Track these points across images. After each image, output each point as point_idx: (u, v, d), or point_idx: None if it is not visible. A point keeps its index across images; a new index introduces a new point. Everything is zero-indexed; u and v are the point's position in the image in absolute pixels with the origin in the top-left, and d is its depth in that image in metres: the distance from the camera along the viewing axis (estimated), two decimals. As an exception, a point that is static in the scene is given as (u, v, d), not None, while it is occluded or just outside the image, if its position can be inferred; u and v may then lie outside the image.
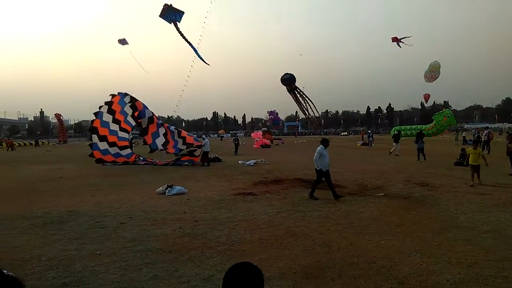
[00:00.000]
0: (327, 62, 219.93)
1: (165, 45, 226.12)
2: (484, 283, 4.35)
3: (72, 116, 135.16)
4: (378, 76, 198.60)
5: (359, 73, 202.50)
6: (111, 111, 20.80)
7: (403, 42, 39.61)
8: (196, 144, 21.21)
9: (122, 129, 21.05)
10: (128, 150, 21.75)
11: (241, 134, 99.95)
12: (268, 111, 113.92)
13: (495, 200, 9.09)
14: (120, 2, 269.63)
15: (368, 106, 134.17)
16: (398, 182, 12.31)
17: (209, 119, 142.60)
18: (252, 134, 49.40)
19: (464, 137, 35.44)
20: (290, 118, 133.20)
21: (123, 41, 35.52)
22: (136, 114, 20.96)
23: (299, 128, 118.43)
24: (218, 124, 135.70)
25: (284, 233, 6.66)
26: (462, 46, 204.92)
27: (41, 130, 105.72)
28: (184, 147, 20.87)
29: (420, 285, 4.36)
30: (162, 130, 21.04)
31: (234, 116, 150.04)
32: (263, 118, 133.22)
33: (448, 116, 47.39)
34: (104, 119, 20.73)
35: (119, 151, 20.89)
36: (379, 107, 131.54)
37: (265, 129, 52.87)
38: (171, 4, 22.84)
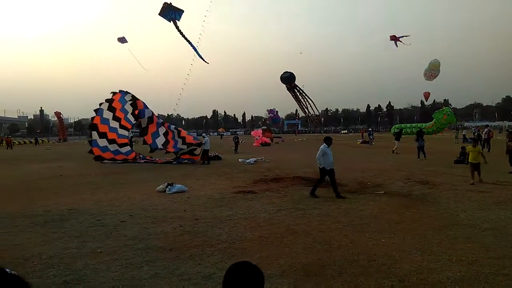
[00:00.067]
0: (327, 61, 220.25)
1: (165, 43, 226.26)
2: (485, 281, 4.36)
3: (72, 115, 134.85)
4: (378, 74, 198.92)
5: (359, 72, 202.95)
6: (111, 109, 20.85)
7: (401, 41, 39.61)
8: (196, 142, 21.22)
9: (122, 127, 21.09)
10: (128, 148, 21.79)
11: (241, 132, 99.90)
12: (267, 110, 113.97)
13: (495, 198, 9.09)
14: (120, 0, 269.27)
15: (368, 104, 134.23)
16: (398, 180, 12.32)
17: (209, 117, 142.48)
18: (252, 132, 49.40)
19: (464, 135, 35.44)
20: (290, 116, 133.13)
21: (122, 39, 35.53)
22: (136, 112, 20.98)
23: (299, 126, 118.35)
24: (218, 122, 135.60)
25: (284, 231, 6.67)
26: (462, 44, 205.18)
27: (41, 128, 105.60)
28: (184, 146, 20.88)
29: (420, 282, 4.37)
30: (162, 130, 21.03)
31: (234, 114, 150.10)
32: (263, 116, 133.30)
33: (448, 114, 47.42)
34: (104, 116, 20.78)
35: (118, 148, 20.93)
36: (379, 105, 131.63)
37: (265, 127, 52.90)
38: (170, 3, 22.82)
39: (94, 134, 20.86)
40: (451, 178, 12.32)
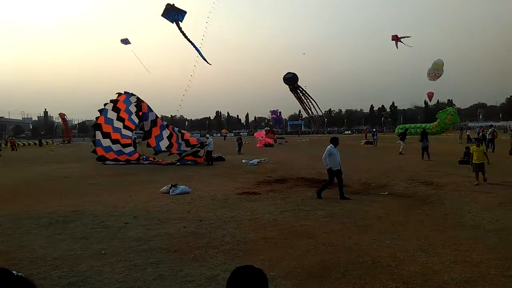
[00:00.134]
0: (330, 61, 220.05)
1: (167, 44, 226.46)
2: (490, 282, 4.33)
3: (76, 116, 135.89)
4: (381, 74, 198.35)
5: (362, 72, 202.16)
6: (116, 109, 20.98)
7: (402, 42, 39.45)
8: (199, 143, 21.28)
9: (125, 127, 21.20)
10: (131, 148, 21.88)
11: (244, 133, 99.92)
12: (270, 111, 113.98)
13: (500, 198, 9.04)
14: (123, 2, 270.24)
15: (372, 105, 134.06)
16: (403, 181, 12.28)
17: (212, 118, 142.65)
18: (255, 134, 49.42)
19: (468, 135, 35.26)
20: (293, 117, 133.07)
21: (125, 41, 35.62)
22: (140, 114, 21.08)
23: (302, 127, 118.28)
24: (221, 123, 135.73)
25: (288, 232, 6.66)
26: (466, 44, 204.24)
27: (45, 130, 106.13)
28: (188, 149, 20.94)
29: (425, 284, 4.35)
30: (166, 133, 21.07)
31: (237, 115, 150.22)
32: (266, 117, 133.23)
33: (452, 115, 47.12)
34: (108, 116, 20.90)
35: (121, 148, 21.02)
36: (382, 105, 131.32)
37: (268, 128, 52.88)
38: (173, 4, 22.86)
39: (98, 134, 20.98)
40: (455, 179, 12.26)
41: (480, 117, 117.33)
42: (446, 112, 48.56)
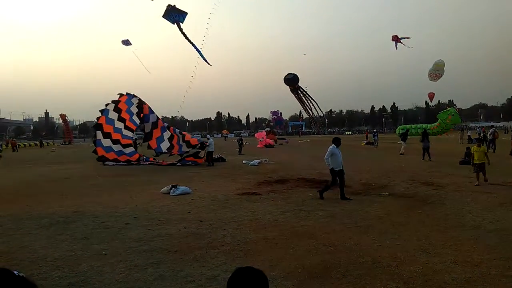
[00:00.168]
0: (331, 62, 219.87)
1: (171, 45, 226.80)
2: (490, 283, 4.33)
3: (77, 117, 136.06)
4: (382, 75, 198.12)
5: (363, 72, 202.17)
6: (117, 110, 21.06)
7: (401, 43, 39.39)
8: (199, 143, 21.34)
9: (126, 128, 21.27)
10: (131, 149, 21.93)
11: (245, 134, 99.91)
12: (271, 111, 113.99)
13: (500, 199, 9.03)
14: (125, 3, 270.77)
15: (373, 105, 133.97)
16: (403, 181, 12.27)
17: (213, 119, 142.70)
18: (256, 135, 49.40)
19: (469, 136, 35.22)
20: (294, 118, 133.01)
21: (126, 42, 35.62)
22: (141, 115, 21.15)
23: (303, 127, 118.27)
24: (222, 124, 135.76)
25: (289, 232, 6.66)
26: (467, 44, 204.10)
27: (46, 130, 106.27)
28: (190, 149, 20.97)
29: (425, 284, 4.34)
30: (167, 135, 21.11)
31: (238, 116, 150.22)
32: (267, 118, 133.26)
33: (453, 115, 47.17)
34: (109, 116, 20.97)
35: (122, 149, 21.08)
36: (383, 106, 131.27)
37: (269, 129, 52.88)
38: (174, 5, 22.88)
39: (99, 134, 21.04)
40: (456, 179, 12.25)
41: (481, 117, 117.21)
42: (447, 112, 48.61)
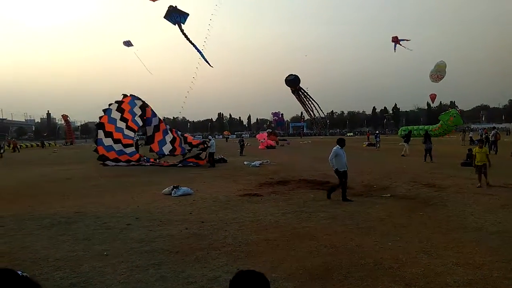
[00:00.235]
0: (332, 63, 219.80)
1: (172, 46, 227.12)
2: (492, 285, 4.31)
3: (79, 118, 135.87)
4: (384, 76, 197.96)
5: (365, 74, 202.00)
6: (120, 109, 21.17)
7: (401, 45, 39.30)
8: (200, 142, 21.44)
9: (128, 128, 21.35)
10: (132, 149, 21.99)
11: (246, 135, 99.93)
12: (272, 112, 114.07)
13: (502, 200, 9.01)
14: (126, 3, 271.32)
15: (374, 107, 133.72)
16: (405, 182, 12.25)
17: (214, 120, 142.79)
18: (257, 136, 49.41)
19: (471, 137, 35.15)
20: (295, 119, 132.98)
21: (127, 43, 35.69)
22: (144, 118, 21.25)
23: (304, 129, 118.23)
24: (223, 125, 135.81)
25: (290, 234, 6.65)
26: (468, 45, 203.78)
27: (48, 131, 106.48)
28: (192, 148, 21.04)
29: (427, 286, 4.33)
30: (169, 137, 21.19)
31: (239, 117, 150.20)
32: (268, 119, 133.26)
33: (455, 116, 47.07)
34: (112, 116, 21.08)
35: (123, 148, 21.15)
36: (385, 107, 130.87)
37: (270, 130, 52.87)
38: (175, 6, 22.91)
39: (100, 133, 21.13)
40: (458, 181, 12.22)
41: (483, 119, 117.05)
42: (449, 114, 48.53)
